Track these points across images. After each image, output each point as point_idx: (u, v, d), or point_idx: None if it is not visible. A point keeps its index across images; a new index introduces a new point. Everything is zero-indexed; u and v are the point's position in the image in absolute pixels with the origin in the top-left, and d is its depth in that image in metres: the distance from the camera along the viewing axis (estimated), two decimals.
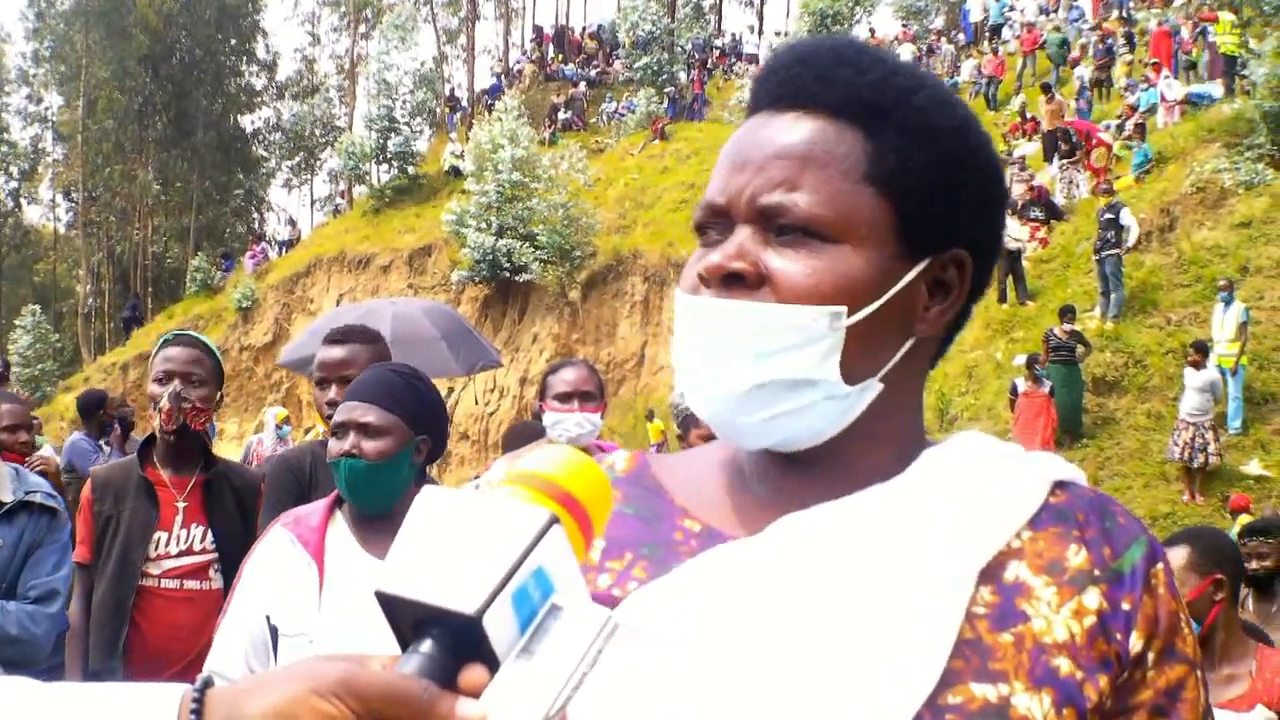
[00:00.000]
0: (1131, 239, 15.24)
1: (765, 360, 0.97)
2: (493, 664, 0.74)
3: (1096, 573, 0.98)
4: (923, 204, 1.02)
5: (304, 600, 2.55)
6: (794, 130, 1.02)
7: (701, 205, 1.05)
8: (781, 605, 0.95)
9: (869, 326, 0.99)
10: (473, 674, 0.74)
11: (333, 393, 3.44)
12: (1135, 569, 0.99)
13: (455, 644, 0.74)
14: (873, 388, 1.02)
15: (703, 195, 1.06)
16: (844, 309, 0.98)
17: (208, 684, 0.77)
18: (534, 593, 0.76)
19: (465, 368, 7.48)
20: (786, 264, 0.98)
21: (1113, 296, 15.28)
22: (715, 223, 1.04)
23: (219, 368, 3.81)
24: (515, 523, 0.77)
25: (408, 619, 0.77)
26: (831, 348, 0.98)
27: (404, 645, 0.77)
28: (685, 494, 1.10)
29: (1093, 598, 0.97)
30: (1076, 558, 0.99)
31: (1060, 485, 1.04)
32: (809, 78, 1.03)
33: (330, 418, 3.42)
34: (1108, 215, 15.20)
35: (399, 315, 6.86)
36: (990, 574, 0.97)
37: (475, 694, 0.73)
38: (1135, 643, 0.97)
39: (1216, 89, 20.67)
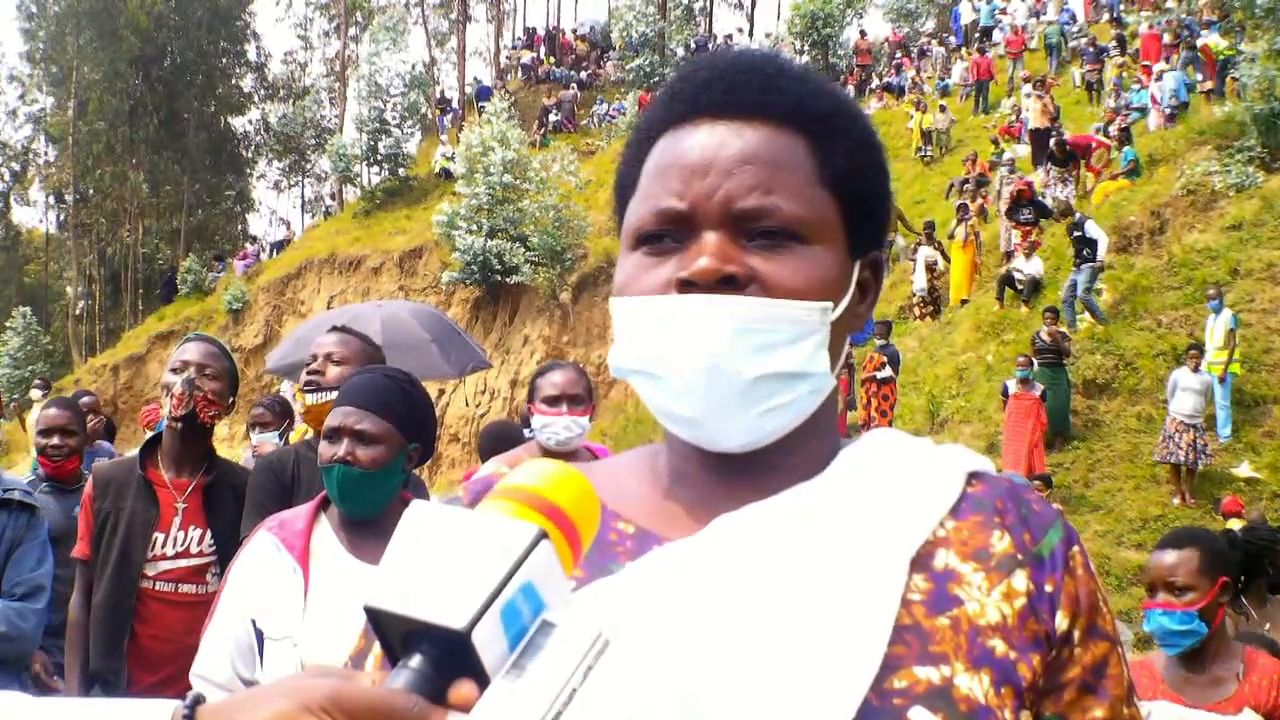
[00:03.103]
0: (1102, 250, 15.26)
1: (768, 353, 0.98)
2: (482, 679, 0.74)
3: (1020, 557, 1.02)
4: (862, 206, 1.06)
5: (289, 604, 2.55)
6: (750, 137, 1.02)
7: (654, 212, 1.03)
8: (723, 603, 0.96)
9: (837, 323, 1.03)
10: (462, 689, 0.74)
11: (316, 364, 3.48)
12: (1055, 552, 1.03)
13: (445, 659, 0.75)
14: (830, 383, 1.05)
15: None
16: (830, 304, 1.01)
17: (198, 700, 0.78)
18: (523, 608, 0.76)
19: (457, 370, 7.45)
20: (771, 265, 0.99)
21: (1091, 301, 15.35)
22: (669, 230, 1.02)
23: (234, 373, 3.86)
24: (504, 538, 0.77)
25: (397, 633, 0.77)
26: (822, 342, 1.01)
27: (394, 660, 0.78)
28: (616, 500, 1.10)
29: (1020, 580, 1.01)
30: (1000, 543, 1.03)
31: (974, 476, 1.08)
32: (754, 87, 1.04)
33: (307, 387, 3.46)
34: (1075, 232, 15.32)
35: (388, 319, 6.76)
36: (921, 562, 1.00)
37: (465, 709, 0.73)
38: (1061, 622, 1.01)
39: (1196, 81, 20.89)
